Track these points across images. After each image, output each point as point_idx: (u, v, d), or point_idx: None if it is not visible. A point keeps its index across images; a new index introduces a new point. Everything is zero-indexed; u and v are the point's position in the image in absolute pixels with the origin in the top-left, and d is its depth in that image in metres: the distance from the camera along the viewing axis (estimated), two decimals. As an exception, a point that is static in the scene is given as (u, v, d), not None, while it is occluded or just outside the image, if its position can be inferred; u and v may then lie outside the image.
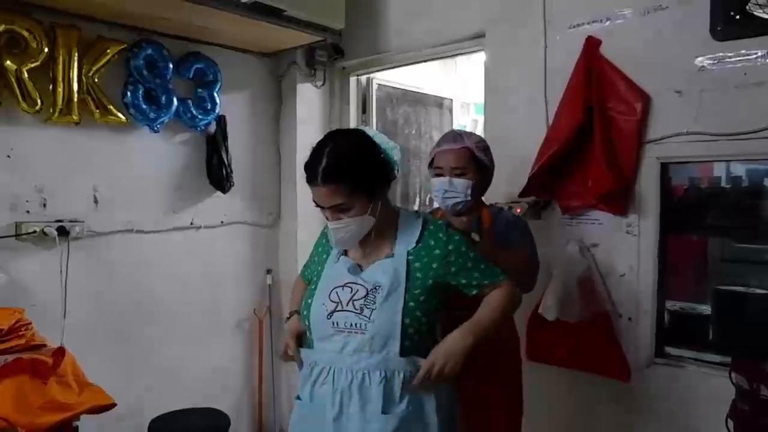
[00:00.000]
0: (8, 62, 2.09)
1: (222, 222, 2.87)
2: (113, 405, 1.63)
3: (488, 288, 1.45)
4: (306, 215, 2.97)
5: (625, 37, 2.04)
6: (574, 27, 2.16)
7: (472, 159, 1.77)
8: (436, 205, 2.96)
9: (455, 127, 4.08)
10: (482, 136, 2.08)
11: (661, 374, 2.01)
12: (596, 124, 2.01)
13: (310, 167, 1.34)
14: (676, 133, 1.94)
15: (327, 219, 1.39)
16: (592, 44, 2.09)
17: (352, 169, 1.34)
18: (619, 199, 2.04)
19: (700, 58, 1.88)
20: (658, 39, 1.97)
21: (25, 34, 2.11)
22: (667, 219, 2.01)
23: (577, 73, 2.08)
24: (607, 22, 2.09)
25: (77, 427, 1.58)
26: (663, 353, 2.04)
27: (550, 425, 2.24)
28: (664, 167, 2.00)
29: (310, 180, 1.34)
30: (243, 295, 2.99)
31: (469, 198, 1.77)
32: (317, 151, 1.36)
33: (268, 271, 3.07)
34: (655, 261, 2.01)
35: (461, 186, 1.75)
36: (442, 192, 1.77)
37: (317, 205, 1.38)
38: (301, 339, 1.49)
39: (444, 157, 1.79)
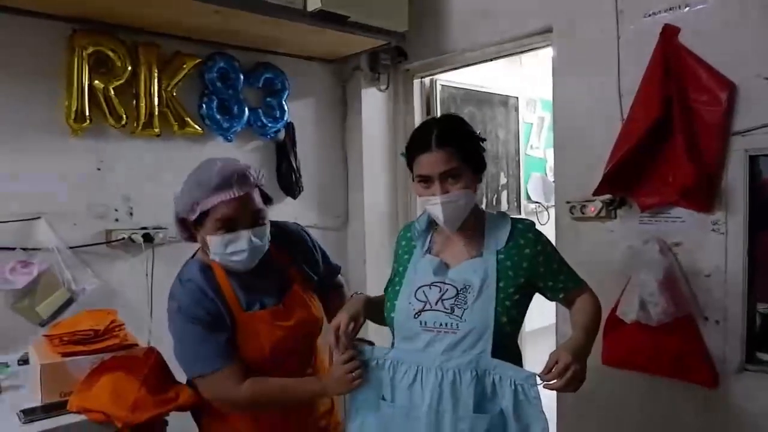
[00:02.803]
0: (96, 81, 2.24)
1: (292, 226, 2.94)
2: (200, 403, 1.71)
3: (574, 293, 1.43)
4: (373, 217, 3.00)
5: (706, 23, 1.92)
6: (649, 16, 2.07)
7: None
8: (505, 206, 2.95)
9: (521, 125, 4.01)
10: (550, 133, 2.04)
11: (752, 381, 1.89)
12: (676, 116, 1.91)
13: (422, 137, 1.38)
14: (766, 124, 1.81)
15: (432, 196, 1.35)
16: (669, 33, 1.99)
17: (463, 136, 1.39)
18: (704, 195, 1.93)
19: (791, 42, 1.76)
20: (743, 23, 1.85)
21: (111, 54, 2.26)
22: (757, 215, 1.88)
23: (654, 63, 1.99)
24: (686, 9, 1.98)
25: (167, 421, 1.67)
26: (754, 359, 1.91)
27: (630, 432, 2.15)
28: (753, 160, 1.87)
29: (422, 148, 1.36)
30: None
31: None
32: (425, 126, 1.43)
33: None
34: (744, 260, 1.89)
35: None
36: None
37: (422, 181, 1.37)
38: (357, 320, 1.41)
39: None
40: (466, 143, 1.39)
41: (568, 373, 1.21)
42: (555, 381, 1.23)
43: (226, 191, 1.37)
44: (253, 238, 1.41)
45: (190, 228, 1.47)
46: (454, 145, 1.35)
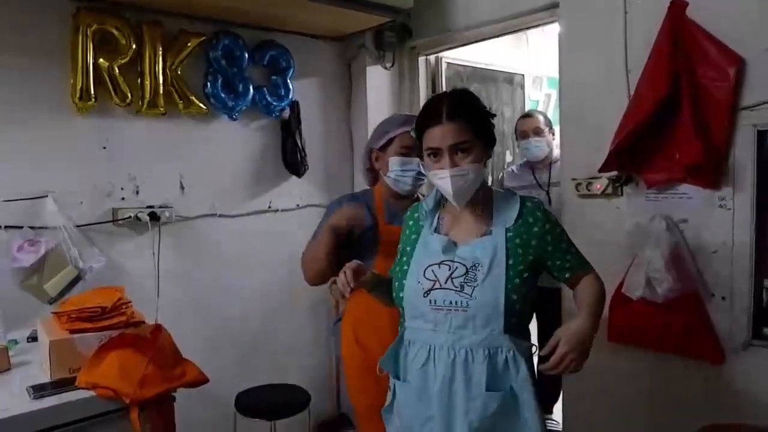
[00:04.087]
0: (101, 60, 2.23)
1: (298, 205, 2.95)
2: (206, 380, 1.73)
3: (579, 273, 1.43)
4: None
5: (715, -2, 1.89)
6: (657, -10, 2.03)
7: None
8: (508, 183, 2.94)
9: (527, 103, 3.97)
10: (556, 110, 2.04)
11: (759, 357, 1.89)
12: (684, 91, 1.88)
13: (432, 110, 1.37)
14: (775, 98, 1.79)
15: (441, 170, 1.35)
16: (677, 7, 1.95)
17: (475, 110, 1.39)
18: (710, 172, 1.91)
19: (802, 15, 1.73)
20: (752, -3, 1.82)
21: (115, 32, 2.25)
22: (765, 191, 1.87)
23: (662, 39, 1.96)
24: (695, -18, 1.95)
25: (174, 397, 1.69)
26: (761, 335, 1.91)
27: (635, 409, 2.16)
28: (762, 135, 1.85)
29: (433, 120, 1.35)
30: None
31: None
32: (437, 98, 1.42)
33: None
34: (752, 236, 1.88)
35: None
36: (414, 174, 1.82)
37: (431, 154, 1.36)
38: (359, 274, 1.39)
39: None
40: (478, 117, 1.38)
41: (564, 362, 1.26)
42: (551, 368, 1.27)
43: (409, 126, 1.76)
44: (420, 166, 1.73)
45: (371, 159, 1.92)
46: (465, 118, 1.34)
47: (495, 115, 1.45)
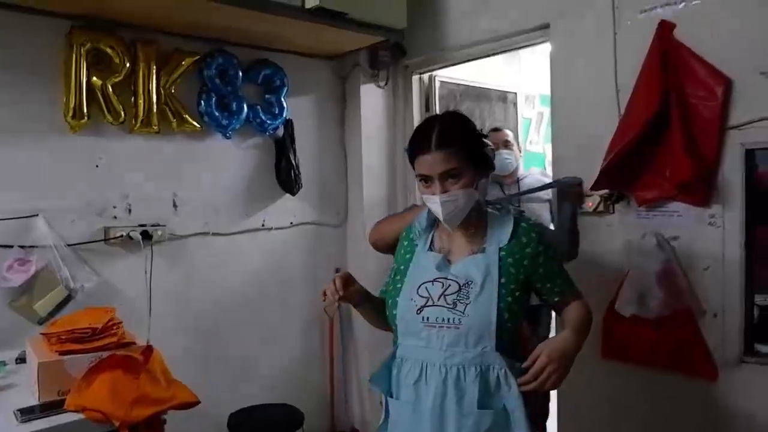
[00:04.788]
0: (95, 78, 2.24)
1: (291, 223, 2.95)
2: (198, 402, 1.71)
3: (569, 297, 1.45)
4: (372, 213, 3.00)
5: (702, 19, 1.93)
6: (645, 11, 2.07)
7: None
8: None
9: (519, 120, 4.01)
10: (548, 128, 2.07)
11: (751, 373, 1.89)
12: (673, 111, 1.91)
13: (422, 137, 1.38)
14: (762, 117, 1.82)
15: (432, 195, 1.37)
16: (665, 28, 1.99)
17: (464, 135, 1.39)
18: (701, 189, 1.93)
19: (787, 36, 1.76)
20: (738, 19, 1.86)
21: (109, 51, 2.25)
22: (753, 208, 1.89)
23: (651, 59, 1.99)
24: (682, 4, 1.98)
25: (165, 420, 1.67)
26: (753, 351, 1.92)
27: (629, 425, 2.16)
28: (750, 154, 1.88)
29: (423, 148, 1.36)
30: (313, 294, 3.05)
31: None
32: (427, 124, 1.42)
33: (337, 270, 3.13)
34: (742, 253, 1.89)
35: None
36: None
37: (422, 180, 1.39)
38: (349, 284, 1.44)
39: None
40: (467, 142, 1.39)
41: (542, 376, 1.29)
42: (530, 382, 1.30)
43: None
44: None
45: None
46: (453, 145, 1.35)
47: (486, 136, 1.47)
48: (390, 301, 1.46)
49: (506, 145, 2.93)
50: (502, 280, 1.36)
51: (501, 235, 1.42)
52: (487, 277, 1.35)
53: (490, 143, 1.50)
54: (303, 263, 3.02)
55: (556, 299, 1.44)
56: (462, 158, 1.35)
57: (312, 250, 3.05)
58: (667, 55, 1.96)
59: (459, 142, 1.36)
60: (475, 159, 1.39)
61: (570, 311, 1.45)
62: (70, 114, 2.19)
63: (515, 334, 1.38)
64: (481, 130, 1.46)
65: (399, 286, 1.46)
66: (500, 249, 1.40)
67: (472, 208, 1.41)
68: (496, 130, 3.05)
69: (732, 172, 1.89)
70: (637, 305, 1.97)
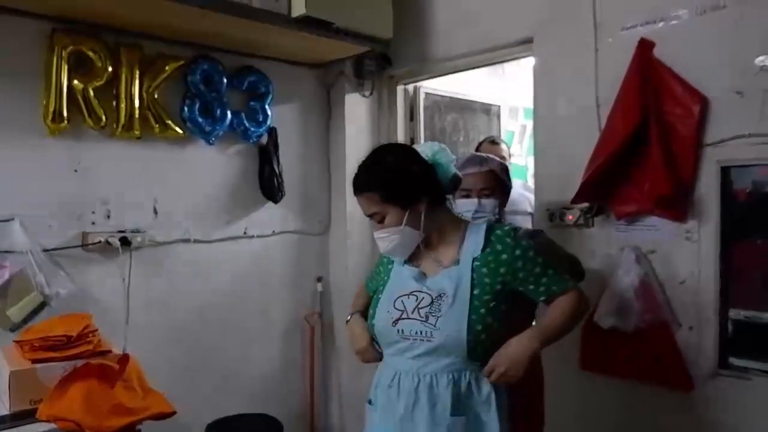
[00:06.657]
0: (75, 82, 2.21)
1: (274, 231, 2.93)
2: (174, 412, 1.69)
3: (557, 294, 1.45)
4: (355, 223, 3.01)
5: (681, 39, 1.97)
6: (626, 29, 2.11)
7: (497, 180, 1.90)
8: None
9: (503, 133, 4.05)
10: (531, 141, 2.09)
11: (726, 386, 1.92)
12: (652, 127, 1.95)
13: (353, 179, 1.46)
14: (737, 136, 1.86)
15: (375, 232, 1.46)
16: (645, 46, 2.03)
17: (380, 179, 1.41)
18: (678, 205, 1.97)
19: (761, 58, 1.81)
20: (715, 39, 1.90)
21: (91, 54, 2.23)
22: (728, 224, 1.92)
23: (631, 76, 2.03)
24: (661, 23, 2.03)
25: (140, 430, 1.65)
26: (727, 364, 1.95)
27: (606, 437, 2.18)
28: (725, 171, 1.92)
29: (353, 191, 1.46)
30: (294, 303, 3.04)
31: (496, 216, 1.88)
32: (359, 165, 1.47)
33: (319, 279, 3.12)
34: (716, 268, 1.93)
35: (490, 206, 1.87)
36: (472, 212, 1.85)
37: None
38: (369, 359, 1.55)
39: (471, 179, 1.87)
40: (386, 184, 1.40)
41: (492, 376, 1.37)
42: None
43: (462, 169, 1.76)
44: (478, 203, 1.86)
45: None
46: (367, 190, 1.42)
47: (423, 169, 1.44)
48: (371, 311, 1.51)
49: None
50: (475, 292, 1.37)
51: (475, 245, 1.43)
52: (459, 289, 1.37)
53: (418, 170, 1.45)
54: (285, 272, 3.00)
55: (543, 298, 1.45)
56: (379, 201, 1.40)
57: (294, 258, 3.04)
58: (647, 73, 2.00)
59: (373, 188, 1.41)
60: (398, 197, 1.40)
61: (550, 308, 1.46)
62: (50, 117, 2.16)
63: (495, 344, 1.38)
64: (413, 163, 1.44)
65: (379, 296, 1.50)
66: (474, 259, 1.41)
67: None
68: (493, 143, 3.04)
69: (708, 188, 1.93)
70: (616, 318, 1.99)
